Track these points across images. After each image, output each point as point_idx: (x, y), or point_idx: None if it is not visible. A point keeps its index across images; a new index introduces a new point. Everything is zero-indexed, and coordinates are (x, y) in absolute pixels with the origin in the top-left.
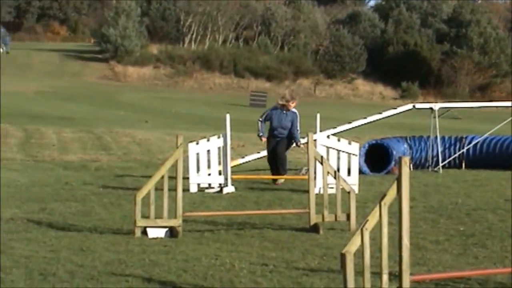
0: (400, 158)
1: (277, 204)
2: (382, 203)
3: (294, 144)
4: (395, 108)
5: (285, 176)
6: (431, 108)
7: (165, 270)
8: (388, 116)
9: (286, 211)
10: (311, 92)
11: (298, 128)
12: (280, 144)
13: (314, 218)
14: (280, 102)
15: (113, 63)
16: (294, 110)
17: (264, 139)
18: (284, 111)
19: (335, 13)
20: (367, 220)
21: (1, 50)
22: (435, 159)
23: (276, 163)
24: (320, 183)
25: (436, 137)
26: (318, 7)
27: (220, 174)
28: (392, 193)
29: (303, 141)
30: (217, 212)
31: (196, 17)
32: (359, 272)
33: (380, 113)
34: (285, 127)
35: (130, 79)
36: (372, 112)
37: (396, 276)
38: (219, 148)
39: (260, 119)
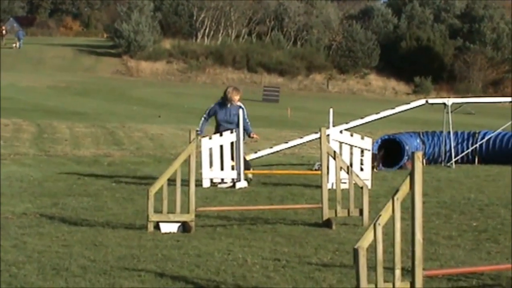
0: (413, 153)
1: (289, 199)
2: (395, 198)
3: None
4: (408, 103)
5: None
6: (444, 104)
7: (178, 265)
8: (401, 111)
9: (298, 206)
10: (324, 87)
11: (247, 120)
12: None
13: (327, 213)
14: (225, 96)
15: (126, 58)
16: (239, 103)
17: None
18: (229, 106)
19: (348, 8)
20: (380, 215)
21: (16, 45)
22: (448, 154)
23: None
24: (333, 178)
25: (449, 132)
26: (331, 2)
27: (232, 169)
28: (405, 188)
29: (315, 136)
30: (229, 207)
31: (209, 12)
32: (372, 267)
33: (393, 108)
34: (231, 121)
35: (143, 74)
36: (385, 107)
37: (408, 271)
38: (232, 143)
39: (205, 115)
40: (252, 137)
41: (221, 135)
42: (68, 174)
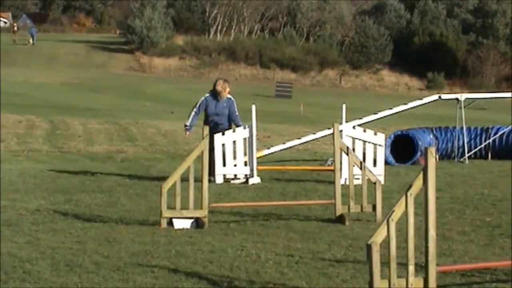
0: (426, 149)
1: (303, 195)
2: (408, 194)
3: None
4: (421, 99)
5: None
6: (457, 99)
7: (191, 261)
8: (414, 107)
9: (312, 202)
10: (337, 83)
11: (237, 113)
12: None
13: (340, 209)
14: (215, 89)
15: (138, 54)
16: (229, 96)
17: (188, 134)
18: (219, 98)
19: (361, 4)
20: (393, 211)
21: (30, 41)
22: (461, 149)
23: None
24: (346, 174)
25: (462, 128)
26: None
27: (246, 165)
28: (418, 183)
29: (328, 132)
30: (243, 203)
31: (222, 8)
32: (385, 263)
33: (406, 103)
34: (221, 114)
35: (156, 70)
36: (397, 103)
37: (422, 267)
38: (244, 139)
39: (195, 110)
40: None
41: (209, 128)
42: (81, 170)
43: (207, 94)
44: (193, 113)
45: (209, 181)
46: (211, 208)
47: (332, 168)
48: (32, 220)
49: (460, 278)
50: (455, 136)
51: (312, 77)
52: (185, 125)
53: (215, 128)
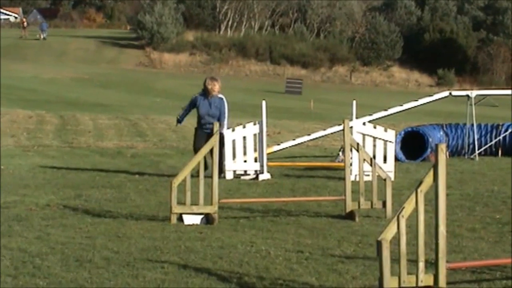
0: (436, 146)
1: (312, 191)
2: (419, 190)
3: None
4: (431, 96)
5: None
6: (467, 96)
7: (201, 257)
8: (424, 104)
9: (321, 198)
10: (347, 79)
11: (226, 115)
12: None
13: (350, 205)
14: (205, 87)
15: (149, 50)
16: (220, 96)
17: (178, 124)
18: (209, 98)
19: (371, 0)
20: (403, 208)
21: (41, 36)
22: (471, 146)
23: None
24: (356, 170)
25: (472, 125)
26: None
27: (256, 161)
28: (428, 180)
29: (338, 128)
30: (252, 199)
31: (232, 4)
32: (395, 260)
33: (416, 100)
34: (213, 115)
35: (166, 66)
36: (408, 100)
37: (432, 264)
38: (255, 135)
39: (187, 106)
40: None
41: (202, 129)
42: (91, 165)
43: (199, 93)
44: (184, 110)
45: (192, 176)
46: (221, 204)
47: (342, 164)
48: (42, 215)
49: (470, 275)
50: (466, 133)
51: (322, 73)
52: (177, 119)
53: (208, 129)
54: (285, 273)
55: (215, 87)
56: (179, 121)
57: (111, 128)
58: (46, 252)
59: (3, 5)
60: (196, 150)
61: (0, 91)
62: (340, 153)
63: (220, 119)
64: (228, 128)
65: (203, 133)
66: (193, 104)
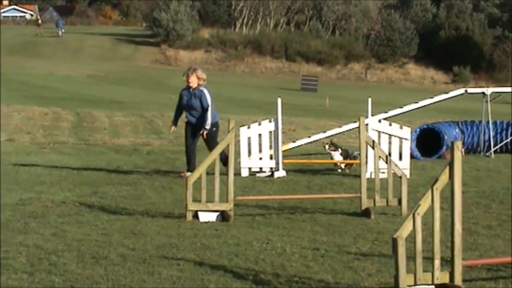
0: (452, 143)
1: (328, 189)
2: (434, 188)
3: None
4: (447, 93)
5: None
6: (483, 93)
7: (217, 254)
8: (440, 101)
9: (337, 195)
10: (363, 77)
11: (209, 108)
12: (197, 137)
13: (366, 203)
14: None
15: (164, 47)
16: (202, 88)
17: (173, 128)
18: (191, 90)
19: None
20: (419, 205)
21: (59, 33)
22: (487, 144)
23: (190, 158)
24: (372, 168)
25: (488, 122)
26: None
27: (271, 158)
28: (444, 178)
29: (353, 125)
30: (268, 196)
31: (248, 1)
32: (411, 257)
33: (432, 97)
34: (195, 107)
35: (182, 63)
36: (423, 97)
37: (448, 261)
38: (270, 132)
39: (178, 103)
40: (201, 134)
41: (186, 123)
42: (107, 163)
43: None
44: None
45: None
46: (236, 201)
47: (357, 161)
48: (58, 212)
49: (486, 272)
50: (481, 130)
51: (337, 70)
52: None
53: (191, 122)
54: (301, 270)
55: (189, 79)
56: (173, 123)
57: (127, 125)
58: (62, 249)
59: (19, 3)
60: (186, 144)
61: (8, 88)
62: (327, 147)
63: (203, 112)
64: (216, 120)
65: (188, 126)
66: (180, 100)
